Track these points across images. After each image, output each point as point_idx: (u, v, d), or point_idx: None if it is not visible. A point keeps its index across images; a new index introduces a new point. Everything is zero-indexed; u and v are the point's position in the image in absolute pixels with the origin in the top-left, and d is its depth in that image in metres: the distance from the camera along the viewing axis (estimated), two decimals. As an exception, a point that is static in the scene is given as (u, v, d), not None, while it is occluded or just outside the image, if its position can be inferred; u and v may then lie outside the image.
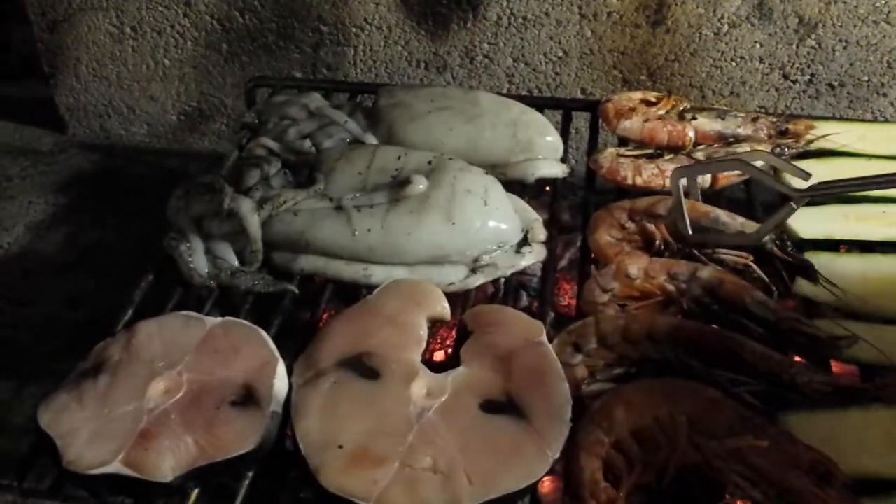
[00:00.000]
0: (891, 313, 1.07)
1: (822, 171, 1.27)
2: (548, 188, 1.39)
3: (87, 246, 1.73)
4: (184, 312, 1.10)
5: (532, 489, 0.92)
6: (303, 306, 1.20)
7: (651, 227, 1.19)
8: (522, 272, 1.24)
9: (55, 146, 2.03)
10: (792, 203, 1.05)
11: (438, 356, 1.32)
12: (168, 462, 0.91)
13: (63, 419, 0.97)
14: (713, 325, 1.06)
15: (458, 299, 1.17)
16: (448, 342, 1.37)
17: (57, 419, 0.97)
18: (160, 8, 1.80)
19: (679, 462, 0.91)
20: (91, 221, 1.79)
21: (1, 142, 2.04)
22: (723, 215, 1.17)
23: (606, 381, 1.03)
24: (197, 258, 1.19)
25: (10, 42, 2.22)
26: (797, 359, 1.01)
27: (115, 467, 0.91)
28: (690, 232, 1.13)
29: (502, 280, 1.20)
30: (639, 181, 1.29)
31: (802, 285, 1.12)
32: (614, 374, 1.03)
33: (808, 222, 1.20)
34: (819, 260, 1.14)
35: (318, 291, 1.20)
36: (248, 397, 0.97)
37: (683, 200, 1.12)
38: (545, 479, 1.01)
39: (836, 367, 1.05)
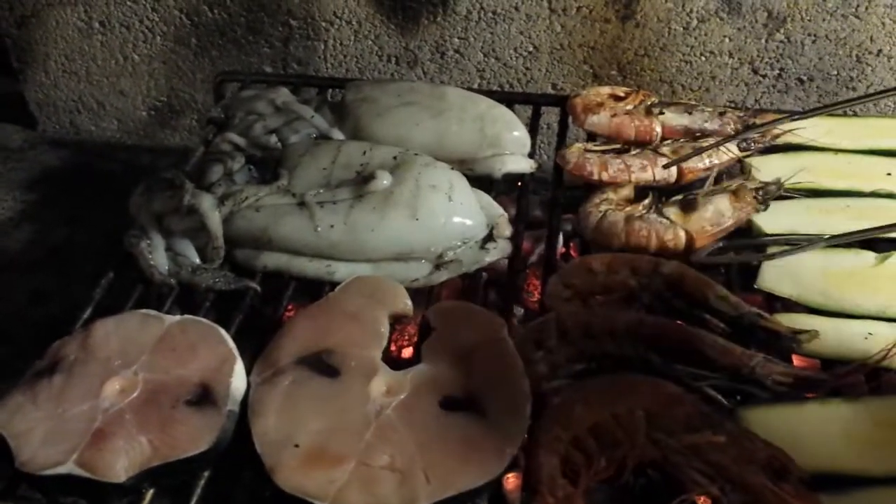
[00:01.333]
0: (851, 307, 1.08)
1: (788, 165, 1.28)
2: (519, 183, 1.38)
3: (55, 243, 1.71)
4: (142, 311, 1.09)
5: (491, 487, 0.92)
6: (265, 303, 1.19)
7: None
8: (493, 267, 1.24)
9: (24, 142, 2.00)
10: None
11: (406, 353, 1.32)
12: (121, 462, 0.91)
13: (17, 419, 0.96)
14: (675, 320, 1.06)
15: (423, 296, 1.17)
16: (415, 338, 1.36)
17: (11, 419, 0.96)
18: (128, 2, 1.78)
19: (638, 458, 0.91)
20: (60, 218, 1.76)
21: (-31, 138, 2.02)
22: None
23: (567, 378, 1.02)
24: (157, 255, 1.18)
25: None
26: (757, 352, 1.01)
27: (69, 468, 0.91)
28: None
29: (472, 275, 1.20)
30: (605, 177, 1.28)
31: (764, 280, 1.12)
32: (575, 370, 1.03)
33: (771, 217, 1.20)
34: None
35: (281, 288, 1.19)
36: (205, 396, 0.97)
37: None
38: (510, 475, 1.01)
39: (797, 361, 1.05)
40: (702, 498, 0.99)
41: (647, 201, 1.23)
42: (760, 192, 1.21)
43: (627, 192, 1.28)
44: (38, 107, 1.99)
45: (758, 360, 0.98)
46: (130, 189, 1.32)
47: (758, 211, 1.20)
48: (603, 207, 1.24)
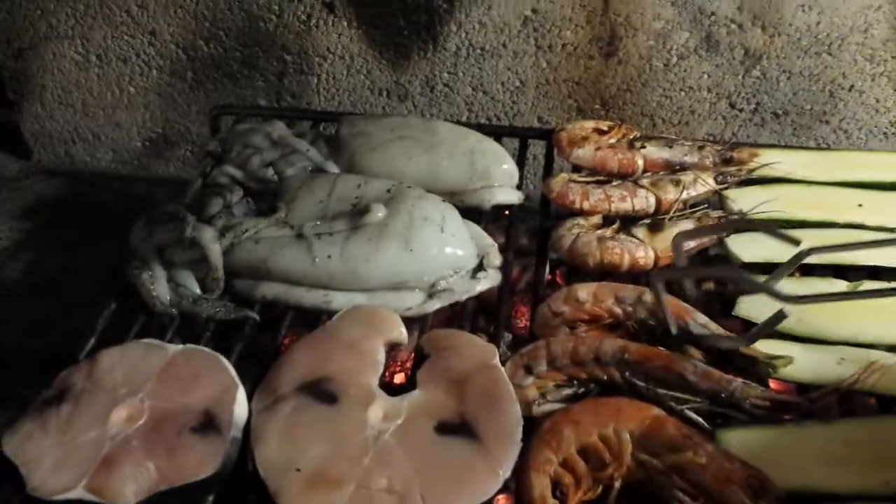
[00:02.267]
0: (824, 333, 1.13)
1: (764, 196, 1.34)
2: (507, 212, 1.43)
3: (51, 272, 1.74)
4: (145, 340, 1.12)
5: (484, 507, 0.96)
6: (264, 332, 1.23)
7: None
8: (481, 296, 1.29)
9: (20, 172, 2.04)
10: (783, 309, 1.01)
11: (399, 378, 1.36)
12: (130, 487, 0.94)
13: (27, 446, 0.99)
14: (658, 347, 1.11)
15: (416, 324, 1.21)
16: (408, 364, 1.40)
17: (21, 446, 0.99)
18: (125, 37, 1.83)
19: (624, 478, 0.96)
20: (55, 247, 1.80)
21: (-35, 168, 2.05)
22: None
23: (556, 402, 1.07)
24: (159, 286, 1.21)
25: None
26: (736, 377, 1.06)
27: (79, 493, 0.94)
28: (674, 331, 1.11)
29: (461, 304, 1.25)
30: (586, 205, 1.34)
31: (742, 307, 1.18)
32: (564, 394, 1.08)
33: (747, 247, 1.26)
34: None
35: (279, 318, 1.23)
36: (209, 423, 1.00)
37: (666, 301, 1.10)
38: (499, 497, 1.05)
39: (773, 385, 1.10)
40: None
41: (615, 225, 1.30)
42: (723, 220, 1.28)
43: (596, 219, 1.34)
44: (33, 137, 2.03)
45: (736, 385, 1.03)
46: (125, 218, 1.35)
47: (720, 238, 1.27)
48: (575, 231, 1.30)
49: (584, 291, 1.18)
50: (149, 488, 0.94)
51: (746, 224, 1.25)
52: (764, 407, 1.02)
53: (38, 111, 1.98)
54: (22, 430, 1.01)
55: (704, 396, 1.04)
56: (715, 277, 1.25)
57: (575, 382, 1.08)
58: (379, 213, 1.23)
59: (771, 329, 1.04)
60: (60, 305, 1.65)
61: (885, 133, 1.72)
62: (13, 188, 1.98)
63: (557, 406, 1.06)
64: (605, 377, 1.07)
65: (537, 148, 1.70)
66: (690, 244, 1.25)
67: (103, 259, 1.70)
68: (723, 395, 1.03)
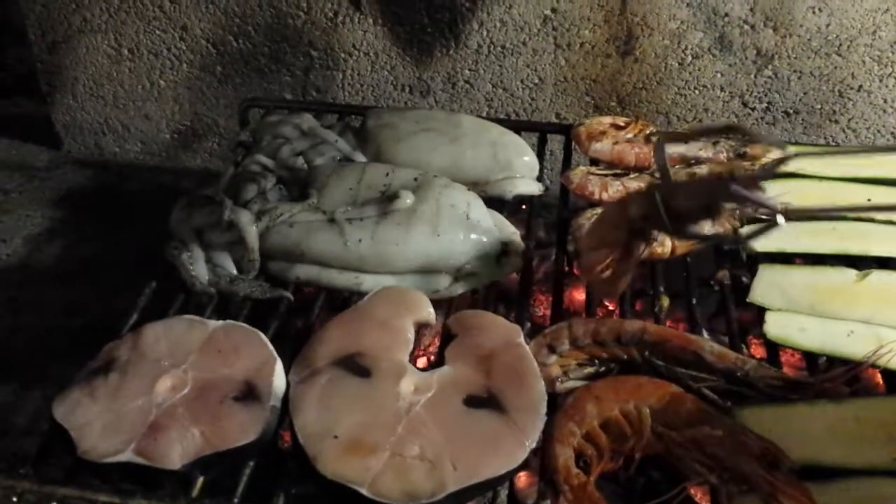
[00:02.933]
0: (834, 317, 1.18)
1: (777, 190, 1.39)
2: (524, 206, 1.48)
3: (82, 258, 1.79)
4: (187, 316, 1.17)
5: (511, 476, 1.01)
6: (297, 313, 1.28)
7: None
8: (501, 283, 1.34)
9: (50, 162, 2.09)
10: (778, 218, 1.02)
11: (421, 363, 1.41)
12: (176, 451, 0.99)
13: (76, 413, 1.04)
14: (675, 330, 1.16)
15: (442, 305, 1.26)
16: (431, 349, 1.45)
17: (71, 413, 1.04)
18: (157, 31, 1.89)
19: (643, 450, 1.00)
20: (86, 235, 1.85)
21: (-3, 158, 2.11)
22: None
23: (578, 379, 1.12)
24: (198, 266, 1.27)
25: (5, 61, 2.29)
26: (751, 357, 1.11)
27: (128, 456, 0.98)
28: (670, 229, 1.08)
29: (483, 291, 1.30)
30: (605, 196, 1.39)
31: (755, 294, 1.23)
32: (585, 372, 1.13)
33: (762, 238, 1.30)
34: (773, 271, 1.25)
35: (312, 299, 1.28)
36: (250, 393, 1.05)
37: (668, 168, 1.07)
38: (521, 473, 1.09)
39: (786, 362, 1.15)
40: (699, 491, 1.10)
41: None
42: (737, 213, 1.33)
43: None
44: (64, 128, 2.08)
45: (751, 365, 1.08)
46: (153, 208, 1.40)
47: (735, 229, 1.31)
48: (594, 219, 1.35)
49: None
50: (195, 453, 0.99)
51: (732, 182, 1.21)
52: (777, 386, 1.07)
53: (70, 103, 2.03)
54: (71, 398, 1.06)
55: (720, 375, 1.08)
56: (720, 135, 1.28)
57: (596, 361, 1.13)
58: (408, 199, 1.28)
59: (764, 234, 1.04)
60: (91, 290, 1.70)
61: (892, 133, 1.76)
62: (44, 178, 2.04)
63: (579, 383, 1.11)
64: (626, 356, 1.12)
65: (555, 143, 1.75)
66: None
67: (132, 246, 1.77)
68: (738, 375, 1.07)
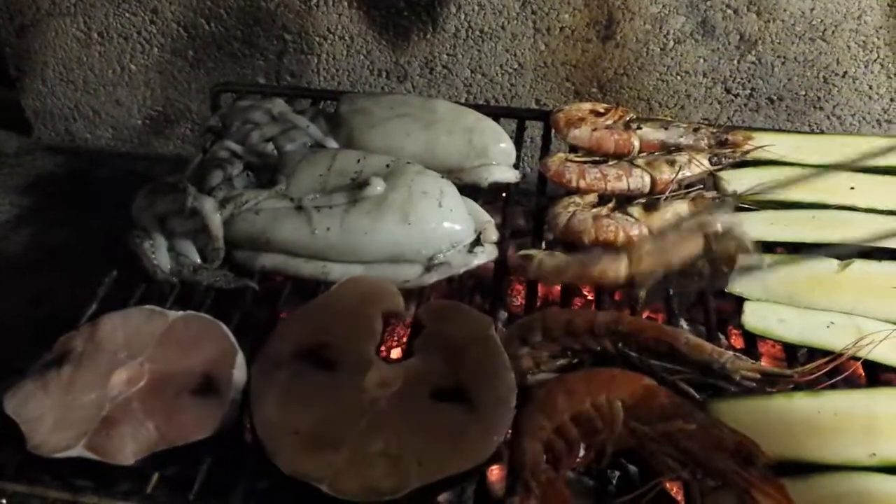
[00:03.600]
0: (815, 308, 1.15)
1: (758, 178, 1.36)
2: (502, 193, 1.45)
3: (51, 246, 1.75)
4: (147, 306, 1.14)
5: (479, 471, 0.98)
6: (262, 303, 1.25)
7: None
8: (477, 273, 1.31)
9: (20, 148, 2.04)
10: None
11: (398, 348, 1.37)
12: (130, 446, 0.96)
13: (28, 406, 1.01)
14: (651, 321, 1.13)
15: (413, 296, 1.23)
16: (405, 339, 1.42)
17: (22, 406, 1.01)
18: (127, 14, 1.84)
19: (616, 445, 0.98)
20: (55, 222, 1.81)
21: (-35, 144, 2.06)
22: None
23: (550, 371, 1.09)
24: (160, 255, 1.23)
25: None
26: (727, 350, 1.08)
27: (79, 451, 0.96)
28: None
29: (457, 280, 1.26)
30: (582, 184, 1.36)
31: (735, 285, 1.20)
32: (558, 364, 1.10)
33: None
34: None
35: (278, 288, 1.25)
36: (208, 386, 1.02)
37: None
38: (494, 467, 1.06)
39: (766, 353, 1.13)
40: (675, 486, 1.07)
41: (611, 204, 1.32)
42: (717, 201, 1.30)
43: (592, 197, 1.35)
44: (34, 114, 2.03)
45: (727, 357, 1.05)
46: (125, 195, 1.36)
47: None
48: (571, 208, 1.32)
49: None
50: (148, 448, 0.96)
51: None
52: (754, 379, 1.04)
53: (40, 88, 1.98)
54: (23, 391, 1.03)
55: (695, 368, 1.05)
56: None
57: (569, 353, 1.10)
58: (378, 186, 1.25)
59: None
60: (60, 278, 1.66)
61: (877, 120, 1.74)
62: (14, 164, 1.99)
63: (551, 376, 1.08)
64: (599, 348, 1.09)
65: (534, 130, 1.72)
66: None
67: (102, 234, 1.72)
68: (714, 367, 1.04)
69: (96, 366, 1.04)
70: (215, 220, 1.22)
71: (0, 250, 1.74)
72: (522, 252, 1.25)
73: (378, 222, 1.22)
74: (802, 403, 1.01)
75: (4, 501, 0.97)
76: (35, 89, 1.99)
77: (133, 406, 0.99)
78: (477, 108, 1.52)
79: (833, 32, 1.66)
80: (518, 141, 1.52)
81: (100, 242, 1.71)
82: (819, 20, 1.65)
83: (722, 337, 1.28)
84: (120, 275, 1.25)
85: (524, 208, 1.62)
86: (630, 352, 1.07)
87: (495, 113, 1.54)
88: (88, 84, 1.96)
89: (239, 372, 1.04)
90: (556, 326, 1.10)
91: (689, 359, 1.05)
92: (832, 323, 1.12)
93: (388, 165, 1.30)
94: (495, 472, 1.17)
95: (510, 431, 0.99)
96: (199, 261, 1.24)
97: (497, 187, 1.43)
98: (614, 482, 1.12)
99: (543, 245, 1.33)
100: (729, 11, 1.66)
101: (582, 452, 0.98)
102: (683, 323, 1.31)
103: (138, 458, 0.95)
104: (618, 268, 1.16)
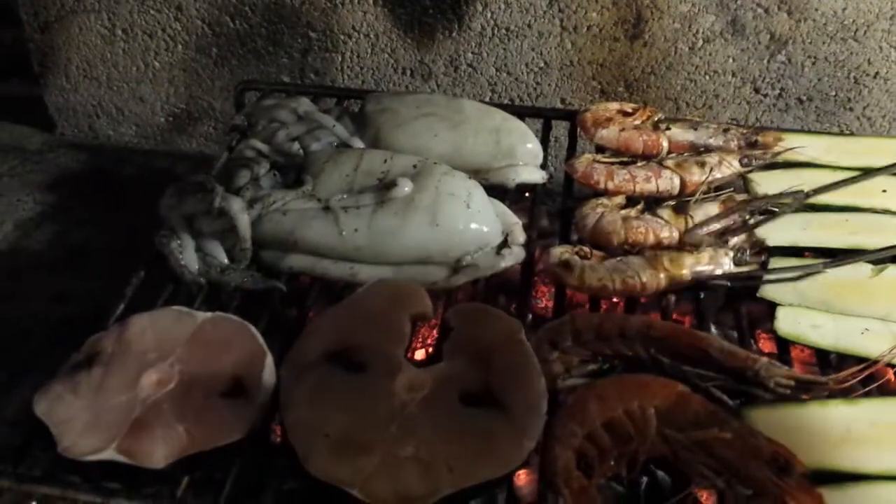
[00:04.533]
0: (848, 314, 1.13)
1: (788, 180, 1.34)
2: (527, 193, 1.44)
3: (74, 244, 1.75)
4: (175, 307, 1.13)
5: (509, 478, 0.97)
6: (289, 304, 1.24)
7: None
8: (502, 274, 1.29)
9: (43, 145, 2.05)
10: None
11: (419, 355, 1.37)
12: (160, 450, 0.95)
13: (58, 408, 1.00)
14: (682, 326, 1.11)
15: (440, 298, 1.22)
16: (430, 341, 1.41)
17: (52, 408, 1.01)
18: (152, 11, 1.84)
19: (648, 453, 0.96)
20: (78, 220, 1.81)
21: (-11, 140, 2.07)
22: None
23: (581, 377, 1.08)
24: (188, 255, 1.22)
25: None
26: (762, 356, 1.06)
27: (109, 454, 0.95)
28: None
29: (483, 282, 1.25)
30: (610, 185, 1.35)
31: (767, 290, 1.18)
32: (588, 369, 1.08)
33: (774, 231, 1.26)
34: (786, 265, 1.20)
35: (305, 290, 1.24)
36: (238, 389, 1.01)
37: None
38: (521, 472, 1.05)
39: (796, 357, 1.11)
40: (705, 493, 1.06)
41: (640, 206, 1.30)
42: (748, 204, 1.28)
43: (620, 199, 1.34)
44: (57, 111, 2.04)
45: (762, 364, 1.03)
46: (147, 192, 1.36)
47: (744, 220, 1.27)
48: (599, 210, 1.30)
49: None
50: (179, 451, 0.95)
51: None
52: (789, 386, 1.03)
53: (63, 84, 1.99)
54: (52, 393, 1.03)
55: (729, 374, 1.04)
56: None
57: (600, 359, 1.09)
58: (405, 187, 1.24)
59: None
60: (83, 277, 1.66)
61: (909, 121, 1.72)
62: (37, 161, 2.00)
63: (582, 381, 1.07)
64: (630, 353, 1.07)
65: (560, 130, 1.70)
66: (714, 226, 1.26)
67: (125, 232, 1.73)
68: (748, 374, 1.03)
69: (126, 367, 1.04)
70: (243, 220, 1.21)
71: (22, 248, 1.75)
72: (559, 257, 1.23)
73: (405, 224, 1.21)
74: (838, 412, 0.99)
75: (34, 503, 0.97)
76: (58, 86, 2.00)
77: (163, 408, 0.99)
78: (502, 107, 1.51)
79: (865, 32, 1.64)
80: (544, 141, 1.51)
81: (122, 241, 1.71)
82: (851, 20, 1.63)
83: (752, 342, 1.26)
84: (147, 274, 1.25)
85: (549, 209, 1.61)
86: (663, 357, 1.05)
87: (521, 112, 1.53)
88: (112, 81, 1.96)
89: (268, 374, 1.03)
90: (586, 330, 1.09)
91: (723, 365, 1.04)
92: (867, 329, 1.10)
93: (415, 166, 1.29)
94: (522, 478, 1.16)
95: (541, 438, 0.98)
96: (226, 261, 1.24)
97: (523, 188, 1.42)
98: (642, 489, 1.10)
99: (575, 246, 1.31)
100: (759, 10, 1.64)
101: (614, 459, 0.97)
102: (713, 327, 1.30)
103: (169, 462, 0.94)
104: (658, 282, 1.16)
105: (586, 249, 1.24)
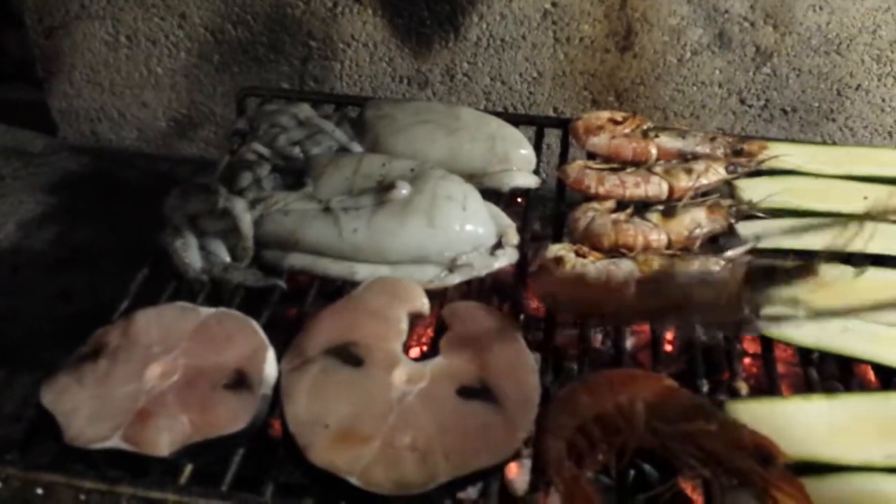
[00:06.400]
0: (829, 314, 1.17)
1: (772, 187, 1.38)
2: (520, 199, 1.48)
3: (76, 244, 1.78)
4: (179, 303, 1.16)
5: (503, 467, 1.00)
6: (290, 301, 1.27)
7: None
8: (496, 274, 1.33)
9: (46, 148, 2.08)
10: None
11: (415, 353, 1.40)
12: (164, 439, 0.98)
13: (64, 398, 1.03)
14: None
15: (436, 296, 1.26)
16: (424, 339, 1.45)
17: (58, 398, 1.03)
18: (155, 19, 1.88)
19: (637, 444, 1.00)
20: (80, 221, 1.84)
21: (-8, 143, 2.09)
22: None
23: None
24: (191, 253, 1.26)
25: (3, 46, 2.28)
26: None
27: (115, 442, 0.97)
28: None
29: (477, 282, 1.29)
30: (601, 190, 1.38)
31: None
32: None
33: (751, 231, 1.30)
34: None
35: (305, 287, 1.28)
36: (240, 381, 1.04)
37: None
38: (512, 464, 1.09)
39: (779, 357, 1.15)
40: (689, 484, 1.10)
41: (629, 210, 1.34)
42: (733, 209, 1.32)
43: (610, 203, 1.37)
44: (60, 115, 2.07)
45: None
46: (148, 195, 1.39)
47: (730, 224, 1.31)
48: (590, 213, 1.34)
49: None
50: (182, 440, 0.98)
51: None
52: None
53: (66, 89, 2.02)
54: (59, 383, 1.05)
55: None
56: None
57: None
58: (403, 189, 1.28)
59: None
60: (84, 276, 1.69)
61: (889, 132, 1.76)
62: (39, 164, 2.03)
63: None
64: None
65: (552, 137, 1.74)
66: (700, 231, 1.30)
67: (126, 234, 1.76)
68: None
69: (131, 359, 1.07)
70: (246, 220, 1.25)
71: (25, 248, 1.78)
72: (555, 252, 1.25)
73: (403, 225, 1.25)
74: (819, 405, 1.03)
75: (40, 491, 0.99)
76: (62, 90, 2.03)
77: (168, 399, 1.01)
78: (496, 115, 1.54)
79: (848, 46, 1.69)
80: (537, 148, 1.54)
81: (123, 241, 1.75)
82: (834, 34, 1.68)
83: (736, 342, 1.29)
84: (151, 272, 1.28)
85: (541, 214, 1.65)
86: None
87: (514, 120, 1.56)
88: (115, 86, 1.99)
89: (270, 367, 1.06)
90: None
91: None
92: (847, 328, 1.14)
93: (412, 170, 1.33)
94: (513, 469, 1.20)
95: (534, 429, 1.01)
96: (228, 260, 1.27)
97: (517, 192, 1.46)
98: (629, 480, 1.13)
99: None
100: (745, 24, 1.69)
101: (604, 450, 1.01)
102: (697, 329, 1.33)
103: (172, 451, 0.97)
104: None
105: (585, 249, 1.27)
